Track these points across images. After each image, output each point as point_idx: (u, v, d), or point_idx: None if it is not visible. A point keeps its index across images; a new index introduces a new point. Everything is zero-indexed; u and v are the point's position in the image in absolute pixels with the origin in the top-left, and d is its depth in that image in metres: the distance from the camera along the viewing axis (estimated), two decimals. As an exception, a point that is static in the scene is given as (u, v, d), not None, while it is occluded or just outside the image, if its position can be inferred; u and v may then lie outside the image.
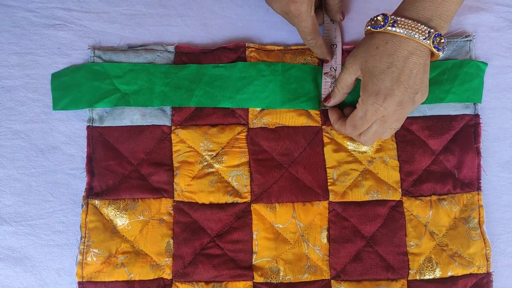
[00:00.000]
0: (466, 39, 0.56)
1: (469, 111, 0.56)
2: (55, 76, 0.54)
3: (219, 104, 0.54)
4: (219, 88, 0.54)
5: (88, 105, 0.53)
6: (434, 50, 0.45)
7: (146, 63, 0.54)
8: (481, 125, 0.55)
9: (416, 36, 0.44)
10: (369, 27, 0.47)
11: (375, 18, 0.47)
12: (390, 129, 0.49)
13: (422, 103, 0.54)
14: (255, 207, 0.53)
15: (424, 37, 0.44)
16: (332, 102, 0.53)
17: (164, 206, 0.53)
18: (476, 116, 0.56)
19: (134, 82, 0.54)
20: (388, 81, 0.45)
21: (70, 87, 0.54)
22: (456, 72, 0.54)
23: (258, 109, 0.55)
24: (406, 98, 0.46)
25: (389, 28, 0.45)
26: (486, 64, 0.55)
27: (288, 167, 0.54)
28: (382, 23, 0.46)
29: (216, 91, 0.54)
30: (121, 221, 0.52)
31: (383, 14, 0.46)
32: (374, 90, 0.46)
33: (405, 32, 0.44)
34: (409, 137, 0.55)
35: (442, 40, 0.45)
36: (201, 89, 0.54)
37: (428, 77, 0.47)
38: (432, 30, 0.44)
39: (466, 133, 0.55)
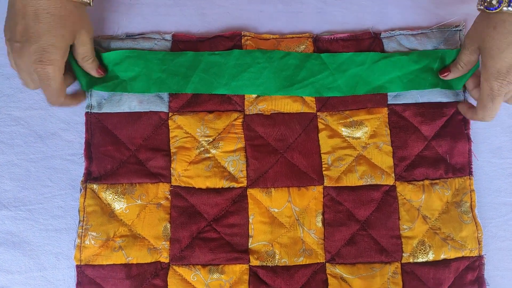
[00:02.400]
0: (456, 29, 0.58)
1: (459, 99, 0.57)
2: None
3: (215, 90, 0.55)
4: (215, 75, 0.55)
5: (86, 88, 0.54)
6: None
7: (143, 50, 0.55)
8: (471, 110, 0.57)
9: None
10: (481, 6, 0.49)
11: (488, 0, 0.48)
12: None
13: (416, 90, 0.56)
14: (251, 191, 0.54)
15: None
16: (451, 76, 0.54)
17: (162, 190, 0.54)
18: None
19: (132, 69, 0.54)
20: (510, 58, 0.47)
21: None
22: (448, 60, 0.55)
23: (254, 96, 0.56)
24: None
25: (505, 8, 0.46)
26: None
27: (283, 152, 0.55)
28: (496, 4, 0.47)
29: (212, 78, 0.55)
30: (119, 205, 0.53)
31: None
32: (496, 68, 0.48)
33: None
34: (402, 123, 0.56)
35: None
36: (197, 75, 0.55)
37: None
38: None
39: (456, 120, 0.56)
